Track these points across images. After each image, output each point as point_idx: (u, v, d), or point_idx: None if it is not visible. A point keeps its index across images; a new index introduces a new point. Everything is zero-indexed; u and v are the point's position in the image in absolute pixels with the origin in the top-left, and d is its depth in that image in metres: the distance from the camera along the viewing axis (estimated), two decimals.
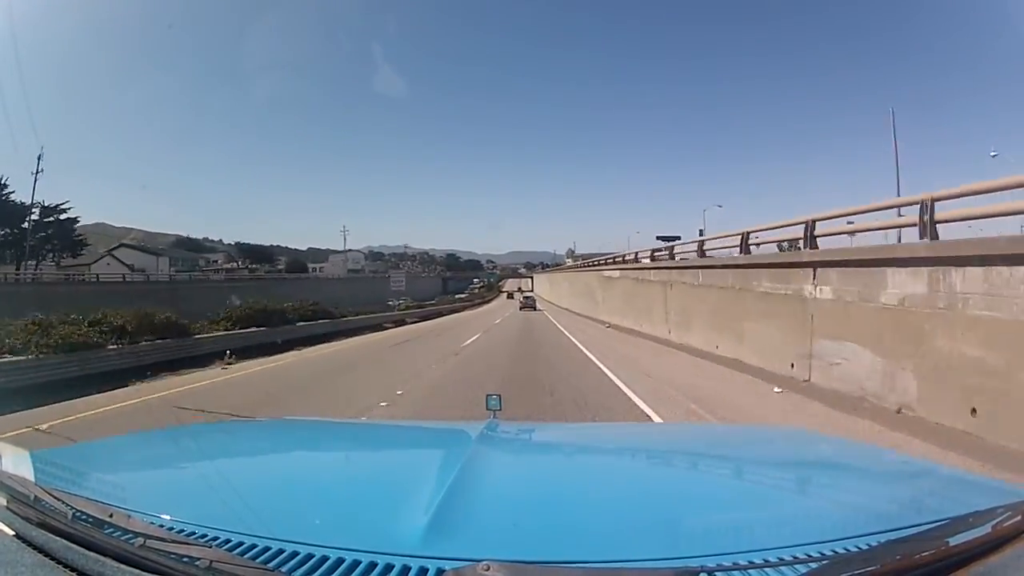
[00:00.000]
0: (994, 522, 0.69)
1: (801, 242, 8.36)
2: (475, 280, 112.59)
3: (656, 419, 6.03)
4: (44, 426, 6.11)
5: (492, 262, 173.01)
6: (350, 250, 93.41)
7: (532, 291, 65.50)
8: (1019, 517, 0.70)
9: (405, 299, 38.14)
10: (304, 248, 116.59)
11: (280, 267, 72.39)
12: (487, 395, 2.05)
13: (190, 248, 74.52)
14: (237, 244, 73.78)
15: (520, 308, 38.95)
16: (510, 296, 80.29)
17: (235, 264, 65.98)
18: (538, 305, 40.63)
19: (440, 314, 39.19)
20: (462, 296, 73.65)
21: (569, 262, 59.20)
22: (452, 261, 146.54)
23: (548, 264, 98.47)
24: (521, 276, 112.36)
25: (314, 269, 75.70)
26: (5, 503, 0.85)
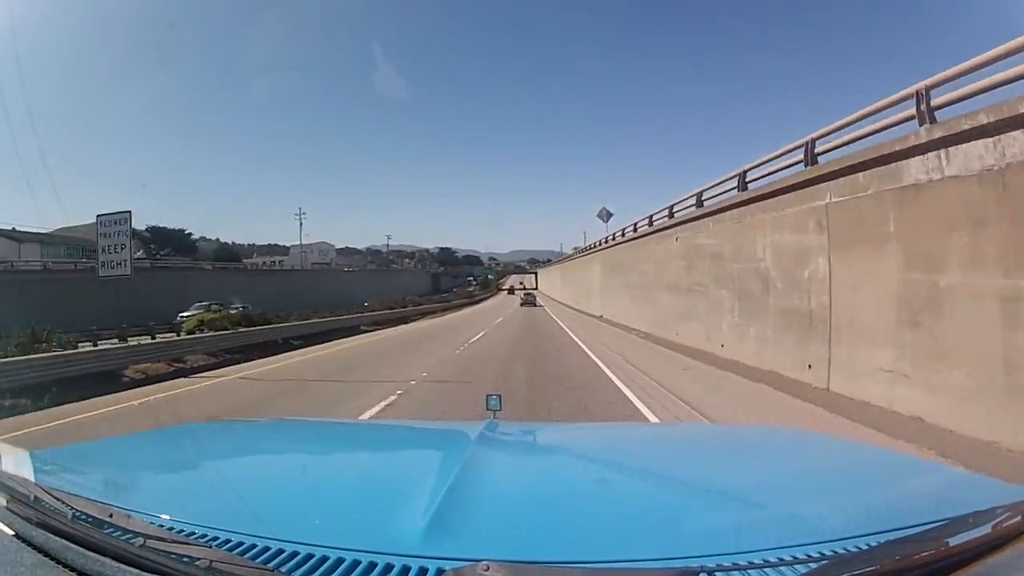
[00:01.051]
0: (994, 522, 0.69)
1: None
2: (470, 278, 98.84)
3: None
4: None
5: (495, 259, 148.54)
6: (318, 241, 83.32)
7: (536, 288, 66.54)
8: (1019, 517, 0.70)
9: (199, 309, 21.52)
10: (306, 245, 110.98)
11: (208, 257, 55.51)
12: (487, 395, 2.05)
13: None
14: (149, 229, 54.53)
15: (521, 304, 41.40)
16: (511, 292, 79.34)
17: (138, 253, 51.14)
18: (554, 317, 27.89)
19: (343, 331, 20.29)
20: (443, 295, 60.24)
21: (575, 255, 43.97)
22: (447, 256, 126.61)
23: (553, 261, 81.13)
24: (524, 272, 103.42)
25: (275, 263, 61.58)
26: (5, 503, 0.85)
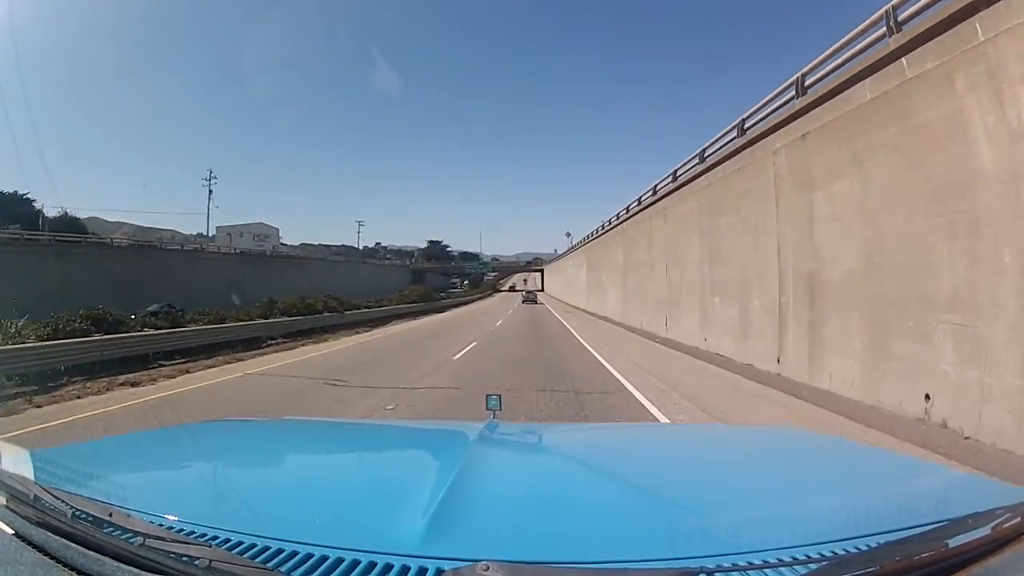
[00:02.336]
0: (994, 523, 0.69)
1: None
2: (454, 281, 79.64)
3: None
4: None
5: (497, 258, 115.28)
6: (255, 222, 62.85)
7: (541, 289, 62.65)
8: (1019, 518, 0.70)
9: None
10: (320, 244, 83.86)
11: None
12: (487, 395, 2.05)
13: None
14: None
15: (523, 301, 40.03)
16: (512, 289, 75.89)
17: None
18: (576, 334, 15.91)
19: None
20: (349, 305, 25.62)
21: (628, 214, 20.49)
22: (437, 250, 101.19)
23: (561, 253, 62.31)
24: (530, 270, 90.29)
25: (201, 248, 41.35)
26: (5, 502, 0.85)
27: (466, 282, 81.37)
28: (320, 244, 77.24)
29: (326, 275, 44.03)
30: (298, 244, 69.11)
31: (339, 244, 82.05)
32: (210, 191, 51.39)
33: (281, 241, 65.34)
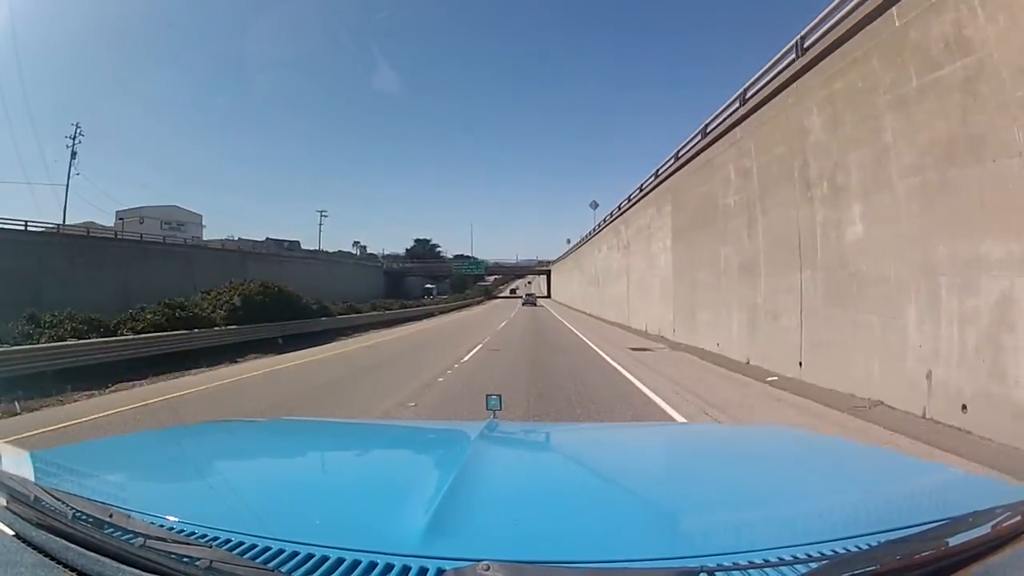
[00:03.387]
0: (994, 522, 0.70)
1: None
2: (428, 287, 65.71)
3: None
4: None
5: (500, 263, 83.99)
6: (166, 205, 48.68)
7: (548, 294, 60.97)
8: (1019, 517, 0.70)
9: None
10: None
11: None
12: (487, 395, 2.05)
13: None
14: None
15: (523, 304, 41.37)
16: (513, 294, 75.00)
17: None
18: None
19: None
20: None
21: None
22: (424, 250, 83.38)
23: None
24: (534, 272, 79.55)
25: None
26: (5, 503, 0.85)
27: (436, 291, 64.26)
28: (269, 239, 57.43)
29: (231, 274, 23.98)
30: (236, 238, 51.27)
31: (292, 240, 61.57)
32: (73, 152, 32.57)
33: (232, 236, 51.72)
